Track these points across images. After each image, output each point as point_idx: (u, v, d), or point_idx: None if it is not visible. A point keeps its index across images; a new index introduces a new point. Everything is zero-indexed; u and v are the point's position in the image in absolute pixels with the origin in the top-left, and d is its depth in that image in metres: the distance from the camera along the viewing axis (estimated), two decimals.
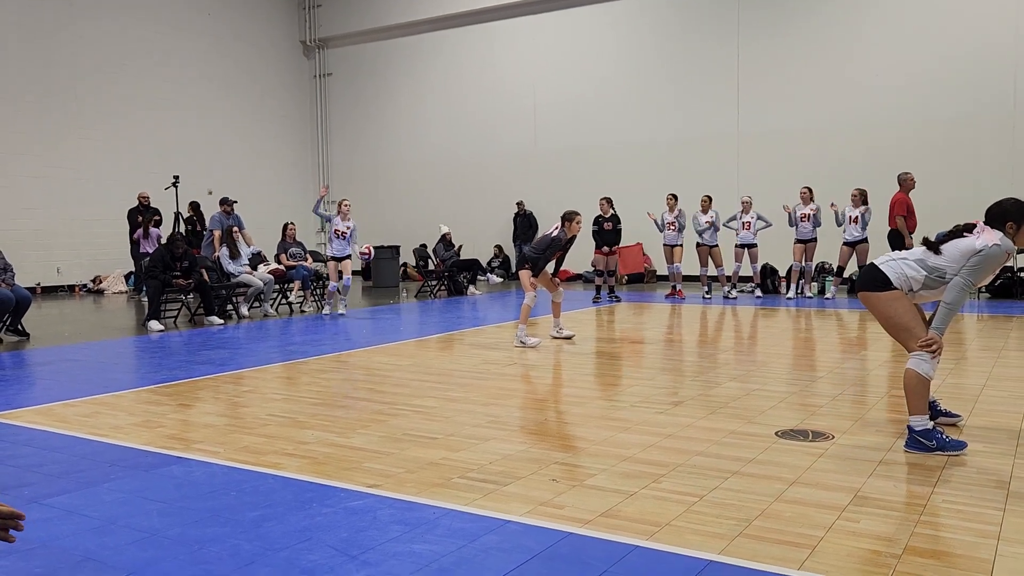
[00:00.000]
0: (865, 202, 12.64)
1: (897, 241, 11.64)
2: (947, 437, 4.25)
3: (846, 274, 13.54)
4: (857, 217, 12.69)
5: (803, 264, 13.18)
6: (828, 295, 13.19)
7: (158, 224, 15.22)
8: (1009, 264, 12.69)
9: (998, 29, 13.97)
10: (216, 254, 12.14)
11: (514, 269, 18.71)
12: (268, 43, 21.07)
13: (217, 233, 12.67)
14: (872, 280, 4.38)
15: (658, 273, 16.97)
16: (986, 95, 14.09)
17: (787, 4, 15.77)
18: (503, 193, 19.13)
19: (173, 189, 15.42)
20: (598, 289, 13.57)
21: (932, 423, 4.31)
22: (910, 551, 2.97)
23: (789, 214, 13.16)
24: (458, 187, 19.94)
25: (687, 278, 14.81)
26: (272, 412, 5.52)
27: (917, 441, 4.25)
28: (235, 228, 12.25)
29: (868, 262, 4.53)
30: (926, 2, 14.54)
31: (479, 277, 16.89)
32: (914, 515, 3.34)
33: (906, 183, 11.96)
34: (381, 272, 17.51)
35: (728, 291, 13.50)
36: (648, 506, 3.52)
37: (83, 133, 17.10)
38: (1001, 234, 4.16)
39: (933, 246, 4.32)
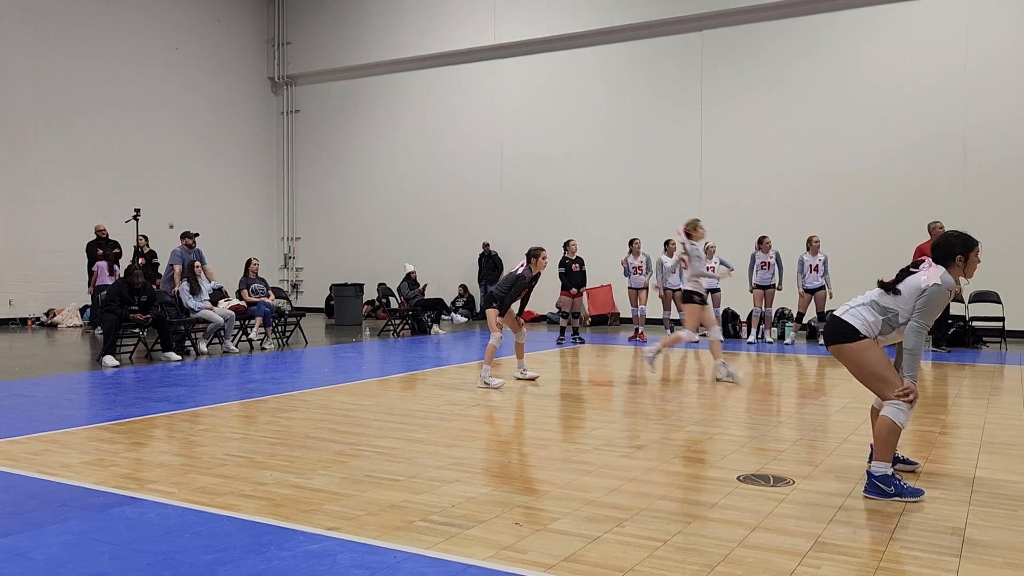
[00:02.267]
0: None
1: None
2: (905, 484, 4.32)
3: (805, 320, 13.76)
4: (817, 265, 12.96)
5: (763, 309, 13.38)
6: (788, 340, 13.38)
7: (117, 258, 14.97)
8: (961, 313, 13.03)
9: (950, 85, 14.51)
10: (176, 289, 11.95)
11: (480, 308, 18.72)
12: (236, 79, 21.07)
13: (178, 268, 12.49)
14: (840, 332, 4.42)
15: (622, 316, 17.07)
16: (939, 147, 14.57)
17: (750, 57, 16.22)
18: (469, 233, 19.20)
19: (134, 222, 15.20)
20: (562, 330, 13.61)
21: (892, 470, 4.37)
22: None
23: (751, 260, 13.36)
24: (424, 226, 19.97)
25: (650, 321, 14.92)
26: (229, 452, 5.40)
27: (876, 487, 4.31)
28: (196, 263, 12.09)
29: (828, 314, 4.59)
30: (883, 58, 15.07)
31: (443, 317, 16.84)
32: (874, 562, 3.37)
33: (935, 232, 12.21)
34: (344, 310, 17.38)
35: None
36: (612, 551, 3.50)
37: (43, 165, 16.85)
38: (942, 270, 4.28)
39: (890, 286, 4.40)
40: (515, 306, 8.89)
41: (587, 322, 17.00)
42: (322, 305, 19.81)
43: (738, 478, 4.71)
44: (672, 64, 17.00)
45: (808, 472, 4.87)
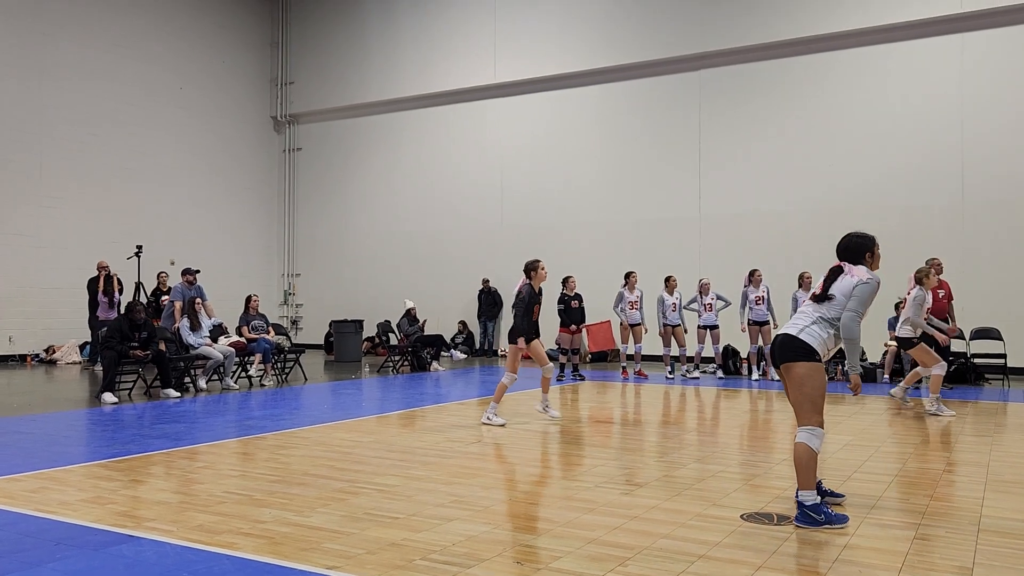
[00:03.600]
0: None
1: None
2: (833, 512, 4.47)
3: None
4: (761, 297, 13.08)
5: (760, 346, 13.33)
6: (755, 375, 13.32)
7: (119, 293, 14.98)
8: (962, 351, 13.00)
9: (945, 123, 14.65)
10: (176, 325, 11.95)
11: (479, 345, 18.68)
12: (239, 117, 21.29)
13: (178, 304, 12.50)
14: (797, 350, 4.55)
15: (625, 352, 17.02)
16: (936, 184, 14.66)
17: (747, 96, 16.42)
18: (469, 269, 19.25)
19: (136, 259, 15.24)
20: (562, 367, 13.58)
21: (820, 498, 4.52)
22: None
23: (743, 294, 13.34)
24: (424, 263, 20.03)
25: (647, 358, 14.89)
26: (228, 489, 5.36)
27: (807, 515, 4.42)
28: (197, 299, 12.11)
29: (781, 332, 4.71)
30: (879, 97, 15.24)
31: (443, 353, 16.80)
32: None
33: (932, 268, 12.23)
34: (343, 346, 17.34)
35: (687, 371, 13.63)
36: None
37: (44, 200, 16.94)
38: (865, 268, 4.66)
39: (823, 296, 4.63)
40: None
41: (587, 359, 16.96)
42: (322, 341, 19.78)
43: (741, 516, 4.67)
44: (670, 103, 17.19)
45: None
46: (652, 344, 14.69)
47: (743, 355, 14.28)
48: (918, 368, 9.57)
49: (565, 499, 5.12)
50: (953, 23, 14.60)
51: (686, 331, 13.88)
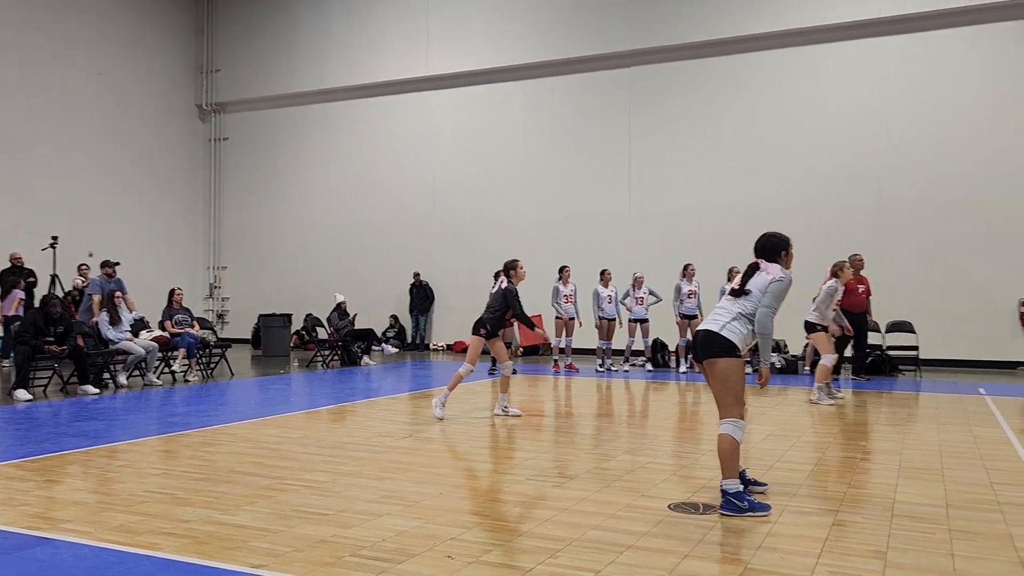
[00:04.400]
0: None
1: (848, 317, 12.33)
2: (755, 500, 4.65)
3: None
4: (692, 291, 13.41)
5: (689, 339, 13.62)
6: (682, 369, 13.64)
7: (32, 286, 14.34)
8: (878, 343, 13.54)
9: (867, 125, 15.18)
10: (95, 319, 11.51)
11: (411, 339, 18.56)
12: (163, 105, 20.59)
13: (96, 297, 12.03)
14: (719, 346, 4.71)
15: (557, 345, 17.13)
16: (856, 183, 15.19)
17: (677, 94, 16.70)
18: (401, 263, 19.09)
19: (51, 250, 14.61)
20: (494, 361, 13.59)
21: (743, 486, 4.72)
22: None
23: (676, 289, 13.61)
24: (354, 256, 19.77)
25: (578, 351, 15.04)
26: (149, 488, 5.19)
27: (731, 503, 4.58)
28: (116, 292, 11.68)
29: (702, 328, 4.88)
30: (803, 97, 15.70)
31: (374, 347, 16.63)
32: None
33: (855, 264, 12.61)
34: (271, 341, 17.01)
35: (611, 364, 13.82)
36: None
37: None
38: (779, 266, 4.87)
39: (740, 291, 4.83)
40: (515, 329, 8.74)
41: (519, 352, 17.03)
42: (249, 336, 19.34)
43: (669, 506, 4.76)
44: (602, 99, 17.36)
45: None
46: (583, 337, 14.83)
47: (672, 348, 14.56)
48: (823, 361, 9.82)
49: (497, 492, 5.14)
50: (875, 27, 15.14)
51: (620, 325, 14.06)
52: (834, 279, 9.77)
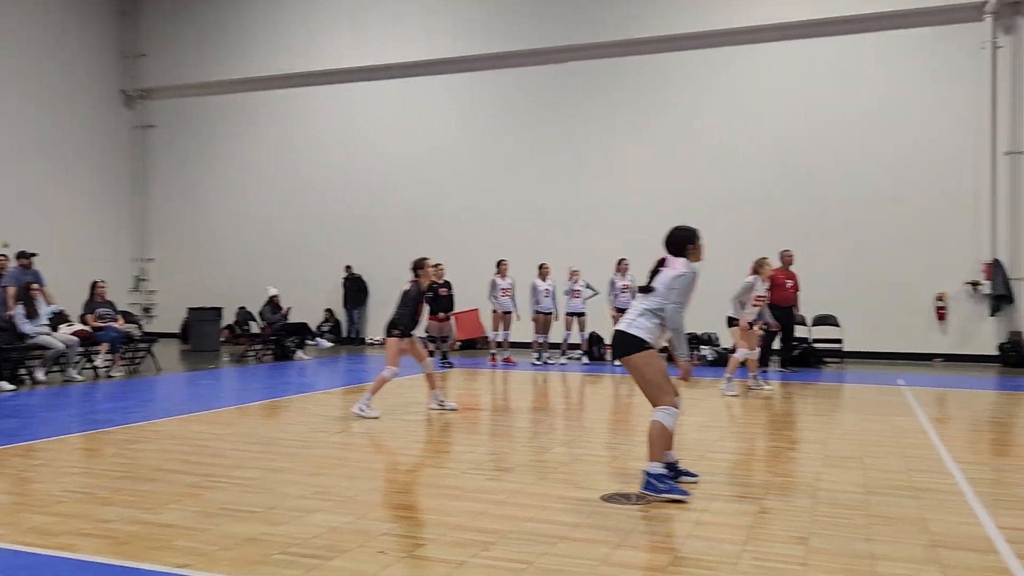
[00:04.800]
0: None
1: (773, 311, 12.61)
2: (675, 484, 4.84)
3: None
4: (627, 285, 13.62)
5: None
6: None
7: None
8: (804, 336, 13.94)
9: (797, 122, 15.57)
10: (10, 312, 11.02)
11: (347, 333, 18.33)
12: (85, 90, 19.80)
13: (12, 290, 11.50)
14: (630, 344, 4.88)
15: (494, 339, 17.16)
16: (788, 180, 15.55)
17: (612, 89, 16.83)
18: (335, 256, 18.81)
19: None
20: (431, 355, 13.51)
21: (665, 469, 4.85)
22: None
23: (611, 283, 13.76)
24: (287, 248, 19.40)
25: (515, 344, 15.08)
26: (68, 488, 5.00)
27: (651, 483, 4.75)
28: (33, 285, 11.20)
29: (616, 328, 5.04)
30: (736, 95, 16.00)
31: (308, 342, 16.37)
32: (727, 573, 3.51)
33: (785, 259, 12.90)
34: (201, 335, 16.57)
35: (548, 358, 13.91)
36: (478, 575, 3.48)
37: None
38: (684, 260, 5.00)
39: (648, 288, 4.97)
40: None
41: (455, 346, 16.98)
42: (177, 330, 18.80)
43: (601, 497, 4.81)
44: (536, 93, 17.40)
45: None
46: (520, 331, 14.88)
47: (608, 342, 14.71)
48: (748, 356, 10.06)
49: (431, 487, 5.11)
50: (805, 28, 15.50)
51: (557, 319, 14.15)
52: (753, 275, 9.99)
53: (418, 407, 8.65)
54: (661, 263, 5.03)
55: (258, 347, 14.74)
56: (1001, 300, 14.19)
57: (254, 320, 15.86)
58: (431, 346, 13.54)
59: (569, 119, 17.15)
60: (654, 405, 4.87)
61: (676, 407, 4.86)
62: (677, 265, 4.94)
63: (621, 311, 13.65)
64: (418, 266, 8.27)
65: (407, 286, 8.21)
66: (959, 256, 14.55)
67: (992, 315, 14.32)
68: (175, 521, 4.27)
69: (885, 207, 14.95)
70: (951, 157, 14.63)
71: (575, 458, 5.99)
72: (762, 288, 10.15)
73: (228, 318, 17.82)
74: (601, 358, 14.65)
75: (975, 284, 14.41)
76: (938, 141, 14.72)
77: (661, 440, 4.81)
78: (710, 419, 7.89)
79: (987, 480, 5.35)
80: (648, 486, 4.74)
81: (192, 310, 17.08)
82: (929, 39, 14.87)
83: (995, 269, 14.19)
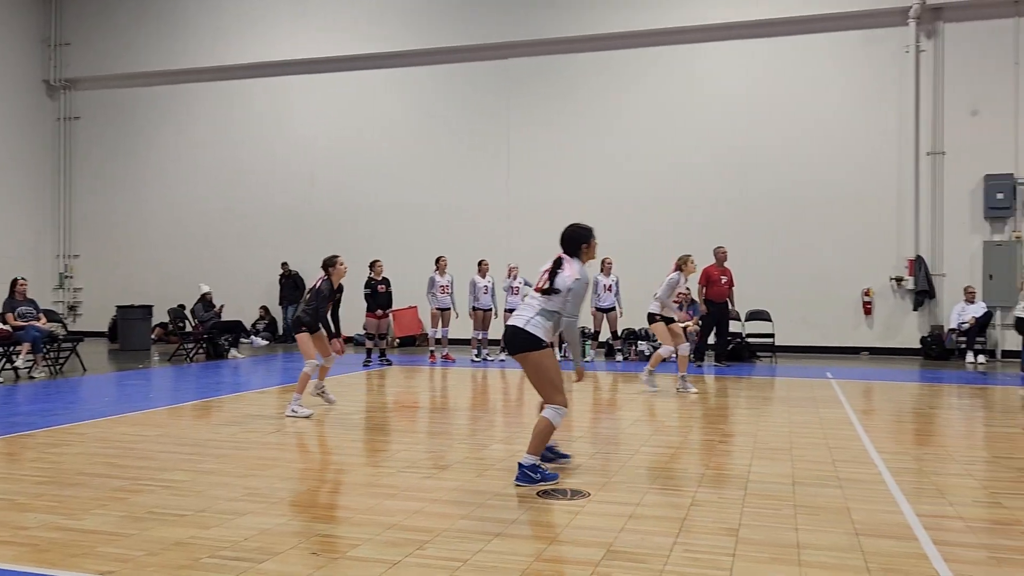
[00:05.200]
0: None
1: (708, 306, 12.92)
2: (546, 471, 5.05)
3: (601, 338, 14.45)
4: (610, 285, 13.71)
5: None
6: (587, 358, 13.99)
7: None
8: (738, 331, 14.25)
9: (730, 121, 15.89)
10: None
11: (283, 331, 18.02)
12: (3, 79, 19.00)
13: None
14: (526, 341, 5.01)
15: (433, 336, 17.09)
16: (721, 177, 15.87)
17: (553, 86, 16.92)
18: (271, 252, 18.47)
19: None
20: (369, 352, 13.40)
21: (537, 460, 5.03)
22: None
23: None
24: (221, 245, 18.97)
25: (454, 341, 15.06)
26: None
27: (525, 474, 4.96)
28: None
29: (509, 324, 5.17)
30: (676, 95, 16.25)
31: (242, 340, 16.05)
32: (659, 566, 3.57)
33: (719, 255, 13.13)
34: (130, 334, 16.07)
35: (487, 354, 13.92)
36: (411, 574, 3.46)
37: None
38: (579, 264, 5.12)
39: (548, 290, 5.05)
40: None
41: (394, 344, 16.86)
42: (105, 329, 18.24)
43: (537, 494, 4.83)
44: (478, 90, 17.38)
45: (603, 484, 5.09)
46: (459, 327, 14.85)
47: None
48: (671, 352, 10.17)
49: (367, 486, 5.06)
50: (741, 29, 15.81)
51: (496, 315, 14.15)
52: (677, 272, 10.01)
53: (356, 405, 8.56)
54: (558, 263, 5.13)
55: (190, 346, 14.38)
56: (923, 295, 14.76)
57: (186, 318, 15.47)
58: (369, 343, 13.42)
59: (508, 115, 17.18)
60: (547, 402, 5.05)
61: (566, 406, 5.06)
62: (572, 269, 5.07)
63: (604, 311, 13.73)
64: (329, 263, 8.21)
65: (318, 283, 8.10)
66: (884, 253, 15.08)
67: (915, 310, 14.88)
68: (99, 527, 4.14)
69: (814, 205, 15.39)
70: (877, 157, 15.14)
71: (513, 455, 6.00)
72: (684, 285, 10.24)
73: (159, 316, 17.36)
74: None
75: (899, 280, 14.95)
76: (865, 142, 15.21)
77: (545, 435, 5.03)
78: (645, 414, 8.00)
79: (908, 470, 5.55)
80: (523, 477, 4.95)
81: (121, 308, 16.57)
82: (857, 43, 15.35)
83: (918, 265, 14.74)
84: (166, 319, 17.24)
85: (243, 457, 5.90)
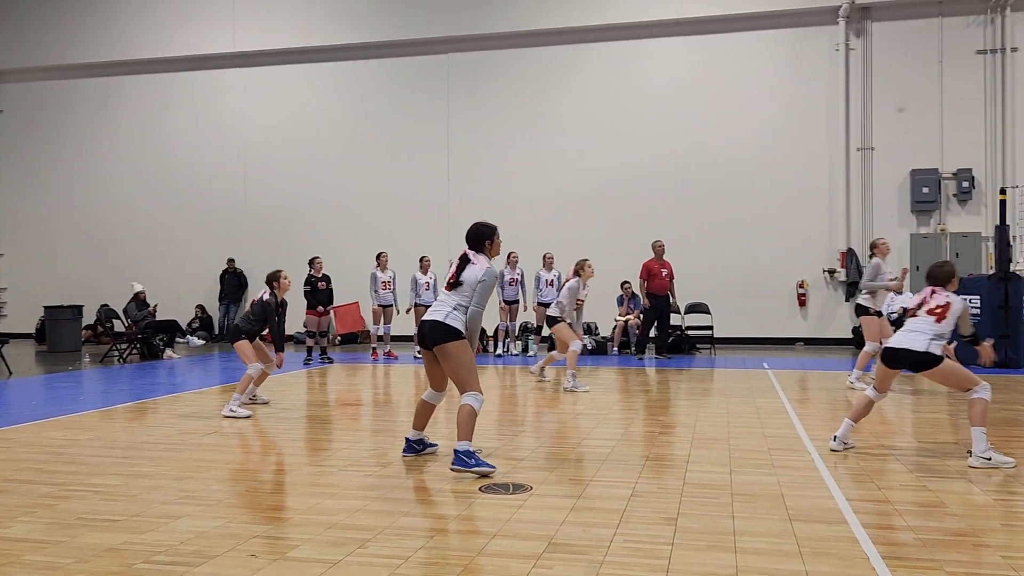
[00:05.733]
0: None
1: (650, 299, 13.05)
2: (481, 459, 5.22)
3: (544, 332, 14.53)
4: (552, 280, 13.79)
5: (507, 324, 13.99)
6: (531, 353, 14.07)
7: None
8: (678, 324, 14.48)
9: (666, 116, 16.12)
10: None
11: (219, 331, 17.65)
12: None
13: None
14: (446, 333, 5.27)
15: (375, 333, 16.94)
16: (658, 172, 16.11)
17: (495, 82, 16.92)
18: (208, 250, 18.06)
19: None
20: (309, 350, 13.22)
21: (471, 447, 5.22)
22: None
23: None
24: (156, 242, 18.47)
25: (397, 338, 14.96)
26: None
27: (461, 459, 5.15)
28: None
29: (427, 318, 5.41)
30: (616, 92, 16.40)
31: (178, 340, 15.66)
32: (600, 557, 3.61)
33: (657, 249, 13.26)
34: (58, 335, 15.53)
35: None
36: (353, 573, 3.43)
37: None
38: (485, 260, 5.44)
39: (455, 284, 5.35)
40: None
41: (335, 341, 16.67)
42: (32, 330, 17.60)
43: (480, 489, 4.84)
44: (419, 84, 17.27)
45: (544, 478, 5.12)
46: (402, 324, 14.76)
47: (489, 333, 14.81)
48: (552, 352, 10.16)
49: (307, 485, 5.00)
50: (675, 27, 16.06)
51: None
52: (576, 278, 9.98)
53: (296, 405, 8.44)
54: (466, 259, 5.41)
55: (123, 347, 13.97)
56: (855, 287, 15.22)
57: (118, 318, 15.03)
58: (310, 341, 13.24)
59: (448, 111, 17.12)
60: (463, 391, 5.29)
61: (482, 393, 5.35)
62: (480, 264, 5.38)
63: (508, 303, 13.80)
64: (273, 278, 8.18)
65: (264, 296, 8.08)
66: (817, 246, 15.51)
67: (847, 300, 15.35)
68: (25, 535, 4.00)
69: (750, 200, 15.73)
70: (809, 153, 15.56)
71: None
72: (583, 292, 10.13)
73: (90, 317, 16.83)
74: (484, 350, 14.74)
75: (831, 272, 15.40)
76: (797, 137, 15.61)
77: (470, 421, 5.25)
78: (587, 407, 8.07)
79: (839, 456, 5.73)
80: (459, 462, 5.13)
81: (49, 308, 16.01)
82: (789, 41, 15.73)
83: (849, 258, 15.21)
84: (97, 319, 16.72)
85: (179, 459, 5.76)
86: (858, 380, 9.25)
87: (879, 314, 9.26)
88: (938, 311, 5.59)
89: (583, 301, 10.27)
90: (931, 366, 5.46)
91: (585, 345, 10.09)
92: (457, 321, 5.30)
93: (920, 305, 5.73)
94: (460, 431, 5.24)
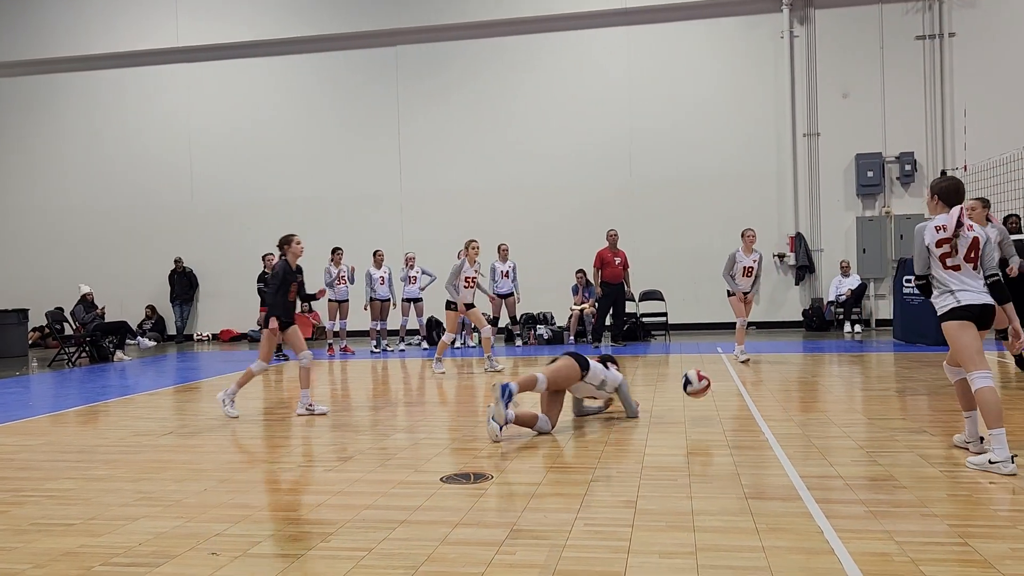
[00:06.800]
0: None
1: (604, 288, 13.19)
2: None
3: (500, 324, 14.59)
4: (507, 271, 13.82)
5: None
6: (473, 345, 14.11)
7: None
8: (633, 311, 14.65)
9: (617, 108, 16.27)
10: None
11: (176, 331, 17.34)
12: None
13: None
14: None
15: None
16: (610, 162, 16.27)
17: (443, 74, 16.87)
18: (157, 249, 17.72)
19: None
20: (282, 348, 13.06)
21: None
22: (559, 574, 3.25)
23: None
24: (103, 243, 18.05)
25: (353, 333, 14.88)
26: None
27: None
28: None
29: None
30: (560, 80, 16.48)
31: (128, 341, 15.35)
32: (562, 541, 3.67)
33: (610, 237, 13.35)
34: (5, 340, 15.11)
35: (387, 345, 13.88)
36: (316, 567, 3.43)
37: None
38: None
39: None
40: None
41: None
42: None
43: (441, 479, 4.86)
44: (366, 78, 17.14)
45: (505, 466, 5.17)
46: (357, 319, 14.68)
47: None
48: (483, 332, 10.56)
49: (266, 483, 4.97)
50: (624, 16, 16.21)
51: (394, 306, 14.06)
52: (463, 259, 10.43)
53: (253, 404, 8.35)
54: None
55: (72, 350, 13.65)
56: (804, 270, 15.56)
57: (67, 321, 14.68)
58: None
59: (397, 103, 17.05)
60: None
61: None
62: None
63: (502, 296, 13.75)
64: (284, 242, 7.66)
65: (275, 266, 7.66)
66: (766, 231, 15.78)
67: (797, 284, 15.69)
68: None
69: (699, 187, 15.97)
70: (756, 139, 15.84)
71: (416, 443, 6.01)
72: (471, 271, 10.44)
73: (36, 320, 16.40)
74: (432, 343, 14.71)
75: (781, 256, 15.71)
76: (744, 124, 15.88)
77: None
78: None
79: (793, 435, 5.88)
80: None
81: None
82: (734, 29, 15.98)
83: (798, 242, 15.53)
84: (44, 323, 16.29)
85: (134, 461, 5.68)
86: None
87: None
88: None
89: (473, 280, 10.51)
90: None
91: (488, 326, 10.49)
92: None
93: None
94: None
